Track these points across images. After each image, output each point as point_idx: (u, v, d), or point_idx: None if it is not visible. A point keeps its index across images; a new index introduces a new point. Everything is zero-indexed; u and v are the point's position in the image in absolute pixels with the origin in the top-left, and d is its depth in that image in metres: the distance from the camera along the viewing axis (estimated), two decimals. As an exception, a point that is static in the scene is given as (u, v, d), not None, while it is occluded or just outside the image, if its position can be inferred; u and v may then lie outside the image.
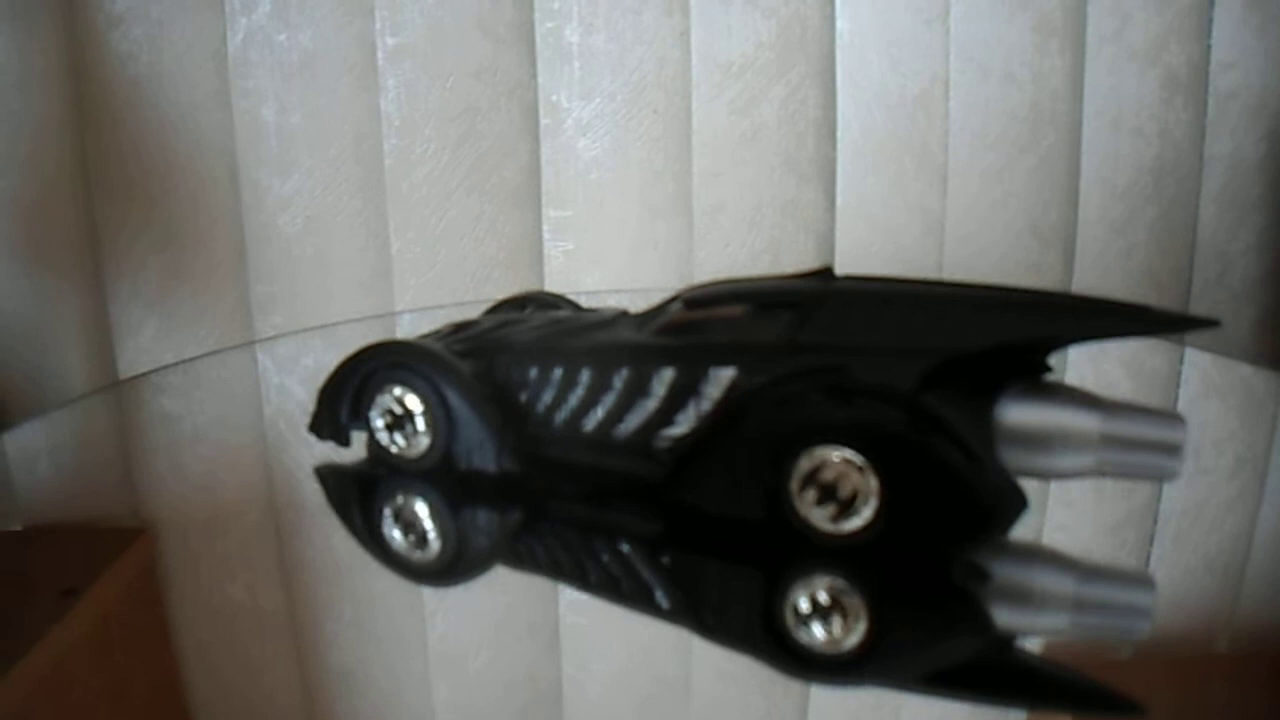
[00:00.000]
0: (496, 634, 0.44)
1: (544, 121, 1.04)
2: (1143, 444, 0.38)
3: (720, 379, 0.43)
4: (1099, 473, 0.39)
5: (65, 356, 1.01)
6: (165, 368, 0.91)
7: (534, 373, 0.48)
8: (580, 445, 0.47)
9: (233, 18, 0.99)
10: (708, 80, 1.04)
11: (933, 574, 0.40)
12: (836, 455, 0.39)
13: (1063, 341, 0.41)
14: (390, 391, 0.49)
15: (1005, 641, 0.38)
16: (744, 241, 1.06)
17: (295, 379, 0.74)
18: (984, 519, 0.39)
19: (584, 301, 0.60)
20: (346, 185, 1.02)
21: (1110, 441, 0.39)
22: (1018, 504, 0.41)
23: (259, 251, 1.03)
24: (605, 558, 0.46)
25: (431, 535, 0.48)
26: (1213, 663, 0.43)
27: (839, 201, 1.06)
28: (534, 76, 1.03)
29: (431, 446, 0.49)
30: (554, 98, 1.04)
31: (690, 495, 0.44)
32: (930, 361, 0.40)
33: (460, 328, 0.54)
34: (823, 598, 0.40)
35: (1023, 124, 1.06)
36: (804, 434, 0.40)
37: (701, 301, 0.45)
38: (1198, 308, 1.09)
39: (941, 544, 0.40)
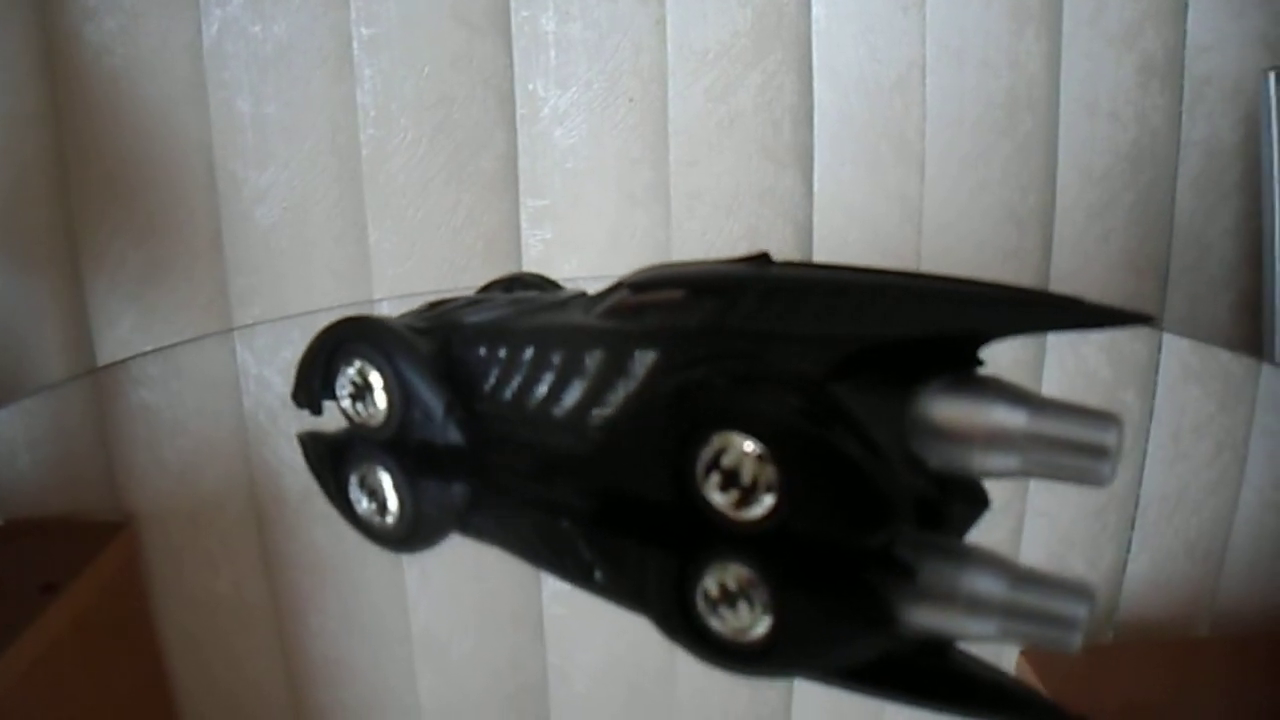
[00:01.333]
0: (480, 624, 0.44)
1: (520, 110, 1.04)
2: (1071, 445, 0.36)
3: (645, 362, 0.44)
4: (1025, 473, 0.37)
5: (44, 350, 1.01)
6: (144, 354, 0.91)
7: (483, 350, 0.49)
8: (523, 422, 0.47)
9: (207, 9, 0.99)
10: (684, 68, 1.04)
11: (843, 567, 0.39)
12: (738, 442, 0.39)
13: (987, 334, 0.39)
14: (353, 364, 0.51)
15: (941, 644, 0.36)
16: (721, 229, 1.06)
17: (274, 370, 0.73)
18: (880, 514, 0.38)
19: (570, 285, 0.60)
20: (323, 176, 1.02)
21: (1036, 441, 0.36)
22: (975, 503, 0.41)
23: (236, 243, 1.03)
24: (545, 533, 0.47)
25: (391, 502, 0.50)
26: (1194, 646, 0.43)
27: (816, 188, 1.07)
28: (510, 65, 1.03)
29: (389, 418, 0.50)
30: (530, 86, 1.04)
31: (611, 475, 0.44)
32: (843, 350, 0.39)
33: (434, 306, 0.56)
34: (730, 585, 0.40)
35: (1000, 110, 1.06)
36: (708, 420, 0.40)
37: (644, 286, 0.45)
38: (1175, 291, 1.10)
39: (839, 537, 0.39)
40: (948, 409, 0.38)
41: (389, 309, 0.72)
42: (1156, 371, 0.72)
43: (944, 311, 0.39)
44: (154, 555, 0.51)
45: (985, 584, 0.37)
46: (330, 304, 1.00)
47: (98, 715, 0.39)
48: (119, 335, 1.02)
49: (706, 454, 0.40)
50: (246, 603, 0.46)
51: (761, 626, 0.37)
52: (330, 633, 0.44)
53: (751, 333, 0.41)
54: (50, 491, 0.58)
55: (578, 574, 0.44)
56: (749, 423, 0.39)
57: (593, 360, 0.45)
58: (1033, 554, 0.47)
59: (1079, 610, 0.35)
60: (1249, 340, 1.09)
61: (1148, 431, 0.62)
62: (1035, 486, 0.48)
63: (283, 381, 0.63)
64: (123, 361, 0.94)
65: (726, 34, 1.04)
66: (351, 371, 0.51)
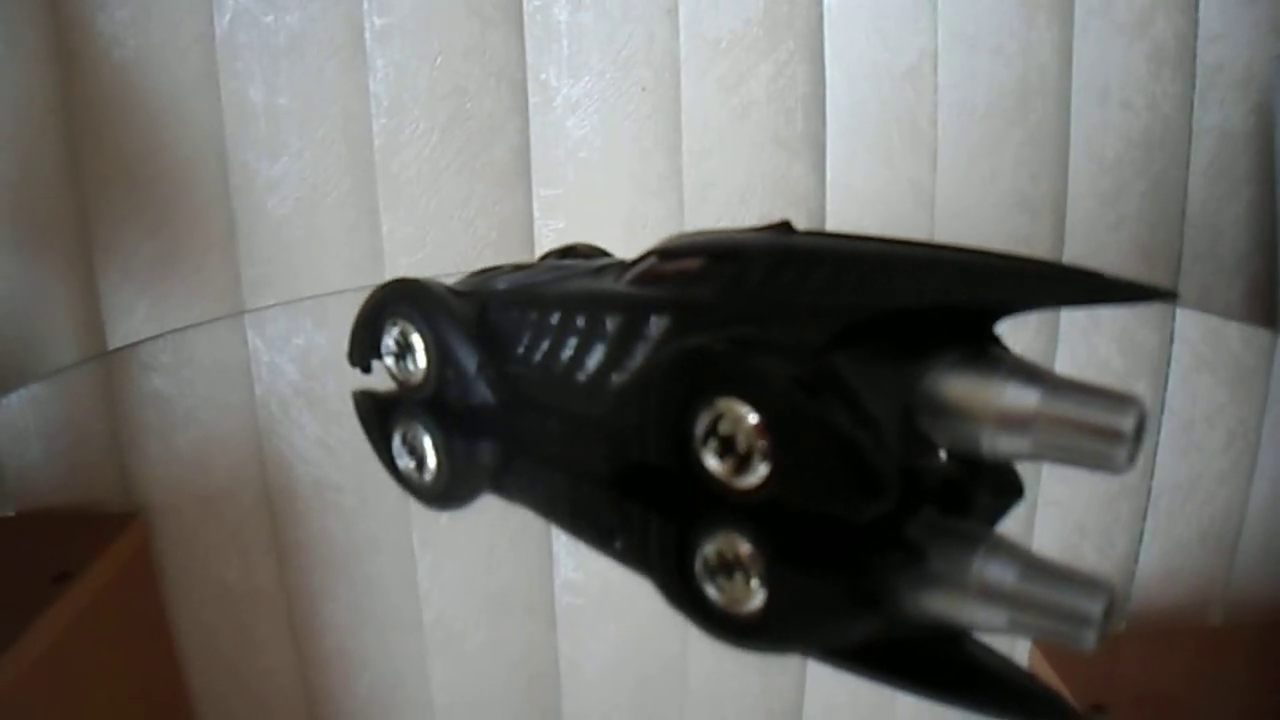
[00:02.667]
0: (493, 614, 0.44)
1: (533, 100, 1.04)
2: (1085, 428, 0.34)
3: (660, 327, 0.44)
4: (1038, 457, 0.36)
5: (57, 340, 1.01)
6: (156, 338, 0.91)
7: (516, 314, 0.50)
8: (551, 384, 0.48)
9: (219, -1, 0.99)
10: (696, 57, 1.04)
11: (843, 543, 0.39)
12: (734, 409, 0.39)
13: (998, 308, 0.38)
14: (397, 325, 0.53)
15: (952, 632, 0.35)
16: (734, 218, 1.06)
17: (286, 357, 0.74)
18: (867, 489, 0.37)
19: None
20: (336, 166, 1.02)
21: (1048, 423, 0.35)
22: (1008, 492, 0.40)
23: (249, 233, 1.03)
24: (566, 496, 0.48)
25: (429, 460, 0.51)
26: (1208, 634, 0.43)
27: (829, 177, 1.07)
28: (522, 55, 1.03)
29: (427, 377, 0.52)
30: (543, 76, 1.04)
31: (623, 440, 0.44)
32: (846, 320, 0.38)
33: (484, 272, 0.57)
34: (727, 554, 0.39)
35: (1011, 97, 1.06)
36: (706, 385, 0.39)
37: (670, 253, 0.46)
38: (1188, 279, 1.10)
39: (826, 510, 0.38)
40: (957, 385, 0.37)
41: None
42: (1168, 361, 0.72)
43: (952, 282, 0.38)
44: (166, 545, 0.51)
45: (996, 572, 0.35)
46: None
47: (110, 705, 0.39)
48: (132, 325, 1.02)
49: (705, 420, 0.39)
50: (258, 592, 0.46)
51: (757, 599, 0.37)
52: (343, 623, 0.44)
53: (758, 300, 0.41)
54: (62, 481, 0.58)
55: (595, 538, 0.45)
56: (744, 389, 0.38)
57: (613, 324, 0.46)
58: (1044, 543, 0.47)
59: (1094, 607, 0.33)
60: (1261, 325, 1.09)
61: (1160, 421, 0.62)
62: (1048, 475, 0.48)
63: (295, 369, 0.63)
64: (134, 345, 0.94)
65: (739, 23, 1.03)
66: (395, 331, 0.53)
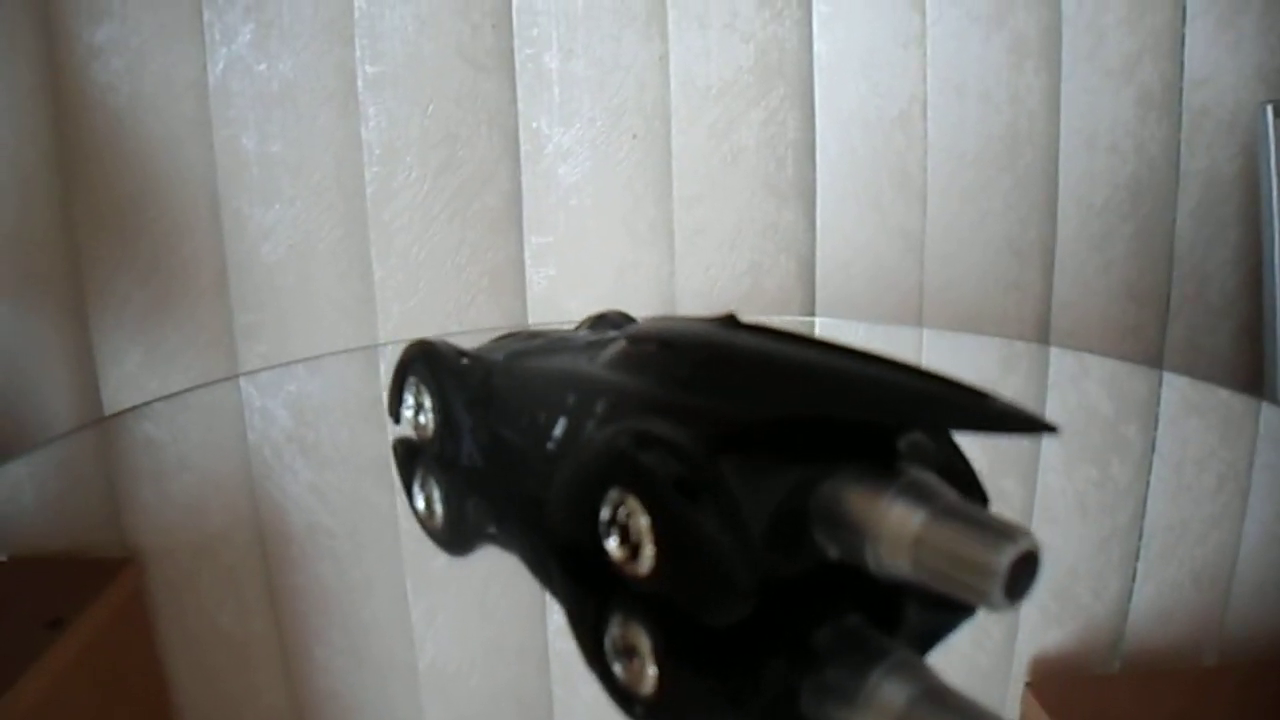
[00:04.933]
0: (486, 658, 0.44)
1: (524, 148, 1.04)
2: (960, 559, 0.33)
3: (602, 409, 0.44)
4: (919, 579, 0.34)
5: (50, 387, 1.01)
6: (150, 403, 0.91)
7: (509, 382, 0.52)
8: (529, 452, 0.48)
9: (213, 48, 1.00)
10: (687, 104, 1.05)
11: (732, 640, 0.38)
12: (629, 499, 0.39)
13: (897, 425, 0.38)
14: (415, 382, 0.55)
15: None
16: (725, 264, 1.07)
17: (278, 403, 0.74)
18: (720, 593, 0.37)
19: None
20: (328, 214, 1.03)
21: (926, 547, 0.34)
22: (948, 610, 0.39)
23: (242, 280, 1.03)
24: (534, 559, 0.48)
25: (437, 508, 0.53)
26: (1201, 675, 0.43)
27: (819, 223, 1.07)
28: (514, 103, 1.04)
29: (435, 433, 0.54)
30: (534, 124, 1.04)
31: (559, 514, 0.44)
32: (741, 424, 0.39)
33: (509, 336, 0.59)
34: (627, 637, 0.40)
35: (1000, 143, 1.06)
36: (607, 475, 0.40)
37: (635, 338, 0.46)
38: (1176, 321, 1.10)
39: (688, 608, 0.38)
40: (846, 498, 0.36)
41: (391, 353, 0.73)
42: (1157, 405, 0.72)
43: (849, 398, 0.38)
44: (159, 590, 0.51)
45: (890, 692, 0.34)
46: (336, 340, 1.01)
47: (104, 750, 0.39)
48: (125, 372, 1.02)
49: (608, 506, 0.40)
50: (252, 637, 0.46)
51: (649, 684, 0.37)
52: (336, 667, 0.44)
53: (674, 395, 0.42)
54: (55, 527, 0.58)
55: (559, 602, 0.45)
56: (633, 484, 0.39)
57: (573, 401, 0.46)
58: (1037, 586, 0.48)
59: None
60: (1249, 368, 1.09)
61: (1150, 465, 0.62)
62: (1040, 515, 0.48)
63: (288, 415, 0.63)
64: (131, 410, 0.94)
65: (729, 71, 1.04)
66: (413, 388, 0.56)
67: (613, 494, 0.40)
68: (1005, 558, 0.32)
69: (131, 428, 0.73)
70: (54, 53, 0.98)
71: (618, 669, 0.38)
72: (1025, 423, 0.34)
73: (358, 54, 1.01)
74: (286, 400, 0.75)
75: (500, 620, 0.47)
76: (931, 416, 0.38)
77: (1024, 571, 0.32)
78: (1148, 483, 0.59)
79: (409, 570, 0.51)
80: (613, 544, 0.40)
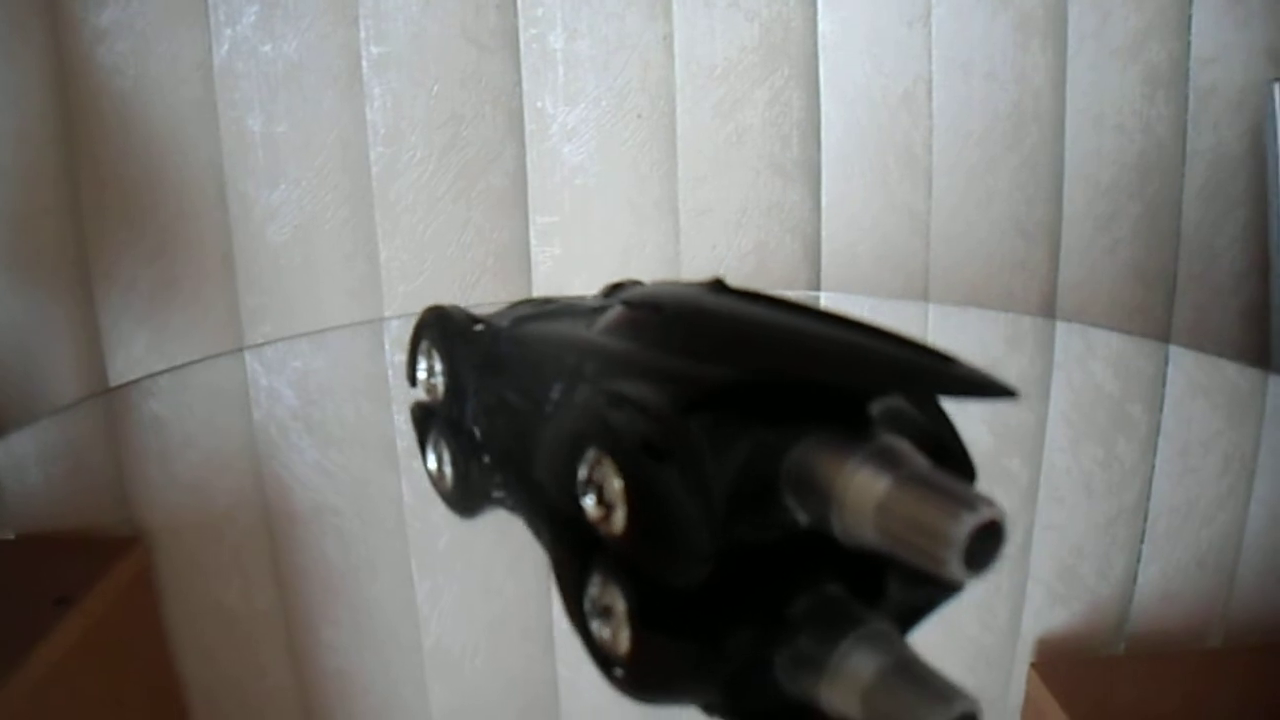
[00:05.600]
0: (491, 637, 0.44)
1: (529, 128, 1.04)
2: (920, 527, 0.33)
3: (590, 372, 0.45)
4: (884, 547, 0.34)
5: (57, 370, 1.01)
6: (154, 375, 0.91)
7: (514, 348, 0.52)
8: (528, 415, 0.49)
9: (218, 29, 0.99)
10: (692, 84, 1.04)
11: (707, 605, 0.38)
12: (603, 459, 0.39)
13: (864, 391, 0.38)
14: (428, 347, 0.56)
15: (804, 706, 0.34)
16: (730, 243, 1.07)
17: (284, 381, 0.74)
18: (682, 554, 0.37)
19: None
20: (334, 194, 1.02)
21: (888, 514, 0.33)
22: (932, 587, 0.39)
23: (247, 262, 1.03)
24: (529, 522, 0.48)
25: (446, 469, 0.53)
26: (1206, 657, 0.43)
27: (824, 202, 1.07)
28: (519, 83, 1.03)
29: (444, 396, 0.55)
30: (539, 104, 1.04)
31: (548, 474, 0.44)
32: (710, 386, 0.38)
33: (524, 303, 0.59)
34: (604, 598, 0.40)
35: (1006, 122, 1.06)
36: (586, 434, 0.40)
37: (630, 303, 0.46)
38: (1182, 301, 1.10)
39: (650, 567, 0.38)
40: (814, 463, 0.36)
41: (397, 328, 0.73)
42: (1163, 385, 0.72)
43: (819, 361, 0.38)
44: (166, 568, 0.51)
45: (857, 662, 0.33)
46: (339, 321, 1.01)
47: (111, 728, 0.39)
48: (131, 355, 1.02)
49: (585, 466, 0.40)
50: (258, 616, 0.46)
51: (623, 645, 0.37)
52: (342, 646, 0.44)
53: (653, 356, 0.42)
54: (62, 505, 0.58)
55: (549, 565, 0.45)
56: (606, 443, 0.39)
57: (570, 364, 0.46)
58: (1042, 565, 0.48)
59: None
60: (1256, 348, 1.09)
61: (1155, 446, 0.62)
62: (1044, 497, 0.48)
63: (293, 394, 0.63)
64: (134, 382, 0.94)
65: (734, 50, 1.04)
66: (425, 352, 0.57)
67: (590, 454, 0.40)
68: (964, 527, 0.32)
69: (138, 406, 0.73)
70: (59, 36, 0.98)
71: (596, 629, 0.38)
72: (987, 388, 0.34)
73: (362, 35, 1.01)
74: (292, 378, 0.75)
75: (505, 600, 0.47)
76: (896, 381, 0.38)
77: (986, 542, 0.32)
78: (1153, 463, 0.59)
79: (414, 550, 0.51)
80: (590, 503, 0.40)
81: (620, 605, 0.39)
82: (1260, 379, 0.79)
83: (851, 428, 0.37)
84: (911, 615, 0.39)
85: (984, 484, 0.53)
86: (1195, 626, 0.45)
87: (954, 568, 0.32)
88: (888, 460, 0.34)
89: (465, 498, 0.52)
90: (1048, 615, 0.45)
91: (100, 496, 0.60)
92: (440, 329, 0.56)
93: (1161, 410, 0.67)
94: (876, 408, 0.38)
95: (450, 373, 0.55)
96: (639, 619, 0.38)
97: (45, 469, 0.63)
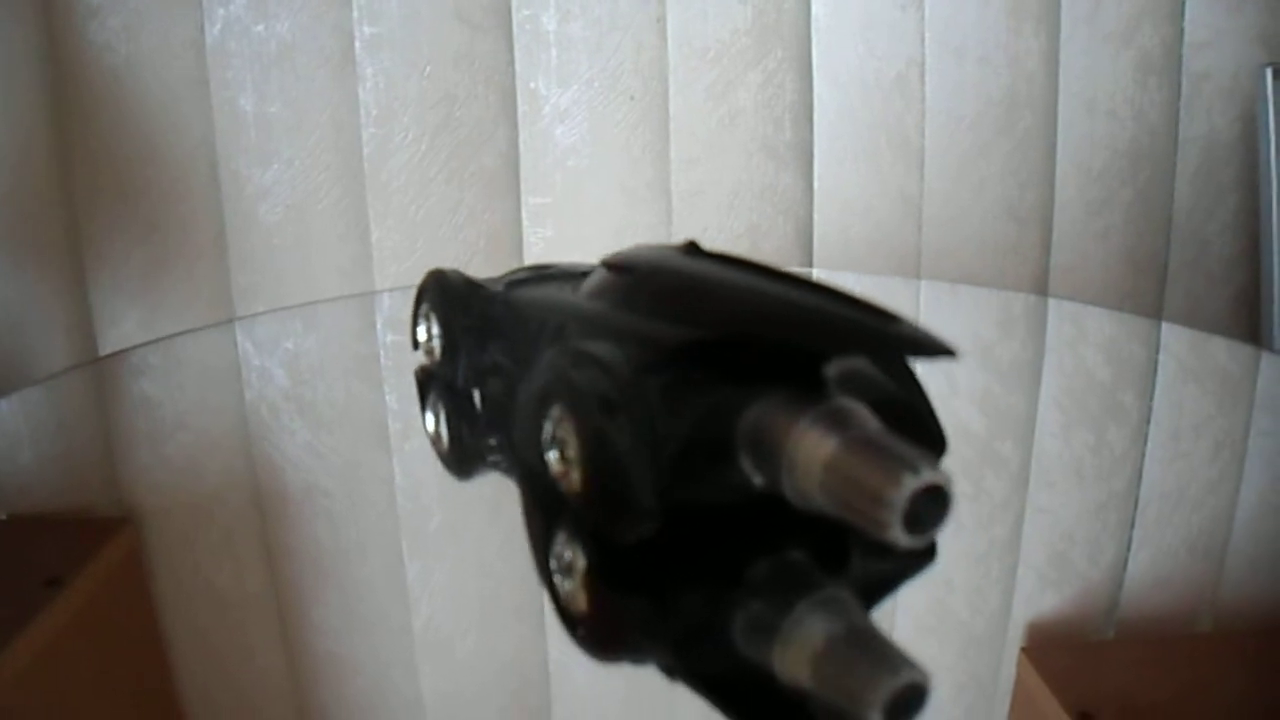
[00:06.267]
0: (482, 618, 0.44)
1: (522, 109, 1.04)
2: (862, 489, 0.32)
3: (569, 333, 0.45)
4: (832, 510, 0.33)
5: (48, 348, 1.01)
6: (146, 344, 0.91)
7: (500, 311, 0.53)
8: (510, 376, 0.50)
9: (210, 8, 0.99)
10: (684, 66, 1.04)
11: (663, 566, 0.39)
12: (565, 416, 0.39)
13: (818, 352, 0.37)
14: (427, 310, 0.57)
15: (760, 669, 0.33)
16: (722, 225, 1.06)
17: (276, 362, 0.74)
18: (625, 511, 0.37)
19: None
20: (326, 174, 1.02)
21: (833, 475, 0.33)
22: (896, 560, 0.39)
23: (239, 241, 1.03)
24: (518, 483, 0.49)
25: (442, 431, 0.55)
26: (1196, 642, 0.43)
27: (816, 185, 1.07)
28: (511, 64, 1.03)
29: (440, 358, 0.56)
30: (531, 85, 1.04)
31: (523, 434, 0.44)
32: (670, 346, 0.39)
33: (517, 270, 0.59)
34: (565, 555, 0.40)
35: (998, 107, 1.06)
36: (550, 391, 0.40)
37: (611, 265, 0.47)
38: (1174, 287, 1.10)
39: (596, 524, 0.39)
40: (767, 423, 0.36)
41: (389, 301, 0.73)
42: (1155, 371, 0.72)
43: (773, 322, 0.38)
44: (157, 550, 0.51)
45: (809, 627, 0.33)
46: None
47: (101, 709, 0.39)
48: (122, 333, 1.02)
49: (550, 422, 0.40)
50: (249, 596, 0.46)
51: (581, 603, 0.38)
52: (332, 627, 0.44)
53: (620, 316, 0.42)
54: (53, 486, 0.58)
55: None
56: (565, 400, 0.39)
57: (552, 326, 0.47)
58: (1033, 550, 0.48)
59: (879, 694, 0.30)
60: (1247, 334, 1.09)
61: (1146, 431, 0.62)
62: (1035, 482, 0.48)
63: (284, 374, 0.63)
64: (125, 351, 0.94)
65: (727, 32, 1.04)
66: (425, 316, 0.57)
67: (554, 411, 0.40)
68: (905, 489, 0.31)
69: (129, 386, 0.73)
70: (51, 12, 0.97)
71: (559, 583, 0.39)
72: (928, 347, 0.35)
73: (355, 15, 1.00)
74: (283, 359, 0.75)
75: (496, 580, 0.47)
76: (840, 342, 0.38)
77: (929, 506, 0.31)
78: (1144, 449, 0.60)
79: (405, 531, 0.51)
80: (553, 459, 0.40)
81: (580, 562, 0.39)
82: (1251, 360, 0.79)
83: (806, 389, 0.36)
84: (879, 587, 0.39)
85: (975, 467, 0.53)
86: (1185, 611, 0.45)
87: (895, 531, 0.31)
88: (837, 421, 0.34)
89: (460, 459, 0.53)
90: (1038, 600, 0.45)
91: (91, 477, 0.60)
92: (439, 293, 0.56)
93: (1152, 395, 0.67)
94: (834, 370, 0.38)
95: (446, 335, 0.56)
96: (594, 575, 0.39)
97: (36, 450, 0.63)
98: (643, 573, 0.39)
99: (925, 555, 0.40)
